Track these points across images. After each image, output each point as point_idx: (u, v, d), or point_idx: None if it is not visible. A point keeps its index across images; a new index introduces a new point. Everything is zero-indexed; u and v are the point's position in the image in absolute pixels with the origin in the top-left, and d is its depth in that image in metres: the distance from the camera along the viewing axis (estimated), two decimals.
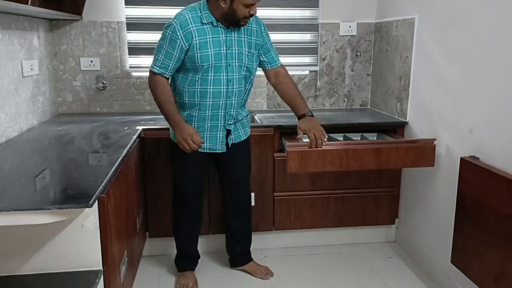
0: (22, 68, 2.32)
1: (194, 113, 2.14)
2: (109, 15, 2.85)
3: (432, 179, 2.42)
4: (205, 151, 2.19)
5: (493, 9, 1.89)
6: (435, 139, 2.28)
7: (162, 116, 2.82)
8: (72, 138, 2.20)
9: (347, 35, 3.09)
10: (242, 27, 2.09)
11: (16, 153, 1.95)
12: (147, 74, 2.93)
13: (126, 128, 2.44)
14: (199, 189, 2.35)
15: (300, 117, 2.22)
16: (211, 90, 2.09)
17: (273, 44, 2.26)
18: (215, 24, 2.03)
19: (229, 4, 1.95)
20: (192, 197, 2.33)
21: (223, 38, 2.05)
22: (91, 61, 2.89)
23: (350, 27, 3.08)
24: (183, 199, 2.33)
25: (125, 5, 2.84)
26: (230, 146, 2.23)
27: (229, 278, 2.49)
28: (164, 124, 2.62)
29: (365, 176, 2.72)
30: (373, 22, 3.09)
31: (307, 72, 3.12)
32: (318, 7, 3.03)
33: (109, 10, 2.85)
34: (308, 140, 2.16)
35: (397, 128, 2.70)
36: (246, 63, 2.13)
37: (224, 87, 2.10)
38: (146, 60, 2.95)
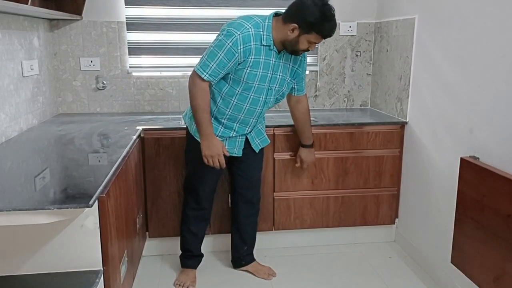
0: (22, 68, 2.32)
1: (223, 120, 2.16)
2: (109, 15, 2.85)
3: (432, 179, 2.42)
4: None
5: (493, 9, 1.89)
6: None
7: (162, 116, 2.86)
8: (72, 138, 2.20)
9: (347, 35, 3.09)
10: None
11: (16, 153, 1.95)
12: (147, 74, 2.98)
13: (126, 128, 2.44)
14: (213, 190, 2.37)
15: (302, 146, 2.48)
16: (247, 107, 2.12)
17: None
18: (271, 47, 2.04)
19: (296, 35, 1.97)
20: (206, 198, 2.34)
21: (273, 61, 2.07)
22: (91, 61, 2.89)
23: (350, 27, 3.08)
24: (197, 199, 2.33)
25: (125, 5, 2.84)
26: (257, 152, 2.31)
27: (230, 277, 2.49)
28: (164, 124, 2.63)
29: (365, 176, 2.72)
30: (373, 22, 3.09)
31: (307, 72, 3.11)
32: None
33: (109, 10, 2.85)
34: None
35: (397, 128, 2.70)
36: (285, 89, 2.19)
37: (259, 108, 2.15)
38: (146, 60, 2.95)
